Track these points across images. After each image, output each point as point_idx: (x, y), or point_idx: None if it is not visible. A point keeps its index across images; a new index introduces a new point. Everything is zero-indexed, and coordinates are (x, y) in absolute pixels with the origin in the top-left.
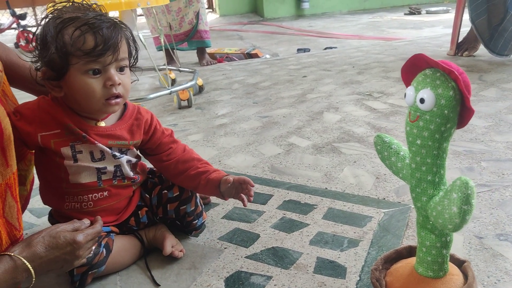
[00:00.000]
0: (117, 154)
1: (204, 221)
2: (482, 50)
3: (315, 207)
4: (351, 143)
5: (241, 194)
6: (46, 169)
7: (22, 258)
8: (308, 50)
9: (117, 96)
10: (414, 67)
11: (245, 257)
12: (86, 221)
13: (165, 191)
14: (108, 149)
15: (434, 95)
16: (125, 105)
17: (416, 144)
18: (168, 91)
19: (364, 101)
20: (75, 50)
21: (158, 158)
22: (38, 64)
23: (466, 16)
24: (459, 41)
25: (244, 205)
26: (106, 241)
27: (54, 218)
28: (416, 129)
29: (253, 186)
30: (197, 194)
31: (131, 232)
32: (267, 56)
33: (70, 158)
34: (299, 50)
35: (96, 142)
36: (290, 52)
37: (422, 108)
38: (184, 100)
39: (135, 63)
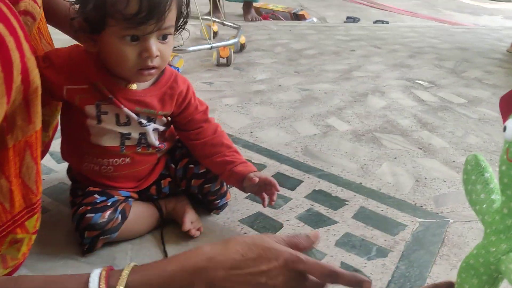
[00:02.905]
0: (144, 121)
1: (227, 202)
2: None
3: (347, 203)
4: (393, 136)
5: (264, 193)
6: (69, 124)
7: None
8: (358, 20)
9: (152, 67)
10: None
11: None
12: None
13: (192, 165)
14: (134, 115)
15: None
16: None
17: None
18: (209, 46)
19: (413, 89)
20: (115, 12)
21: (187, 135)
22: (76, 9)
23: None
24: None
25: (264, 205)
26: (123, 206)
27: (72, 174)
28: None
29: (278, 191)
30: None
31: (151, 200)
32: (314, 19)
33: (93, 118)
34: (348, 18)
35: (122, 106)
36: (338, 18)
37: None
38: (223, 58)
39: (183, 29)
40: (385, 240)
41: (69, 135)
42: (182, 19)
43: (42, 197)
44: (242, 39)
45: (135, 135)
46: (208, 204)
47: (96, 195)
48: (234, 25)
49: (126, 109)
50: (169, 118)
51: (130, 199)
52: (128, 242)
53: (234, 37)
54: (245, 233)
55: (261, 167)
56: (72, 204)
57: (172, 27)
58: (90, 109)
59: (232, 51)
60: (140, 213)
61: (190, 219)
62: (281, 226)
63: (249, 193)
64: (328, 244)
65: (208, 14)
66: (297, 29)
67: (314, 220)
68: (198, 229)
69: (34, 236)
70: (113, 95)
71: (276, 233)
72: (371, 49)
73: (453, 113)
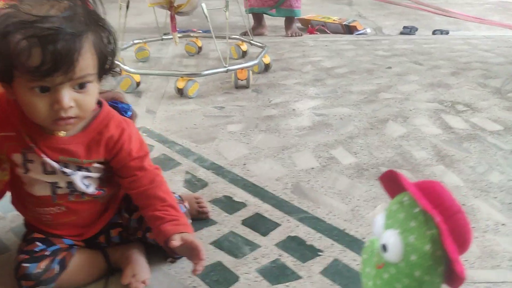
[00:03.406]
0: (68, 171)
1: None
2: None
3: (320, 254)
4: (402, 171)
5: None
6: (11, 171)
7: None
8: (415, 30)
9: (68, 118)
10: (394, 182)
11: None
12: None
13: None
14: (56, 165)
15: (402, 244)
16: (101, 105)
17: None
18: (224, 69)
19: (443, 113)
20: (18, 64)
21: (122, 182)
22: None
23: None
24: None
25: (192, 272)
26: (63, 255)
27: (24, 218)
28: (380, 280)
29: (202, 260)
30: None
31: (99, 248)
32: (368, 30)
33: (21, 167)
34: (405, 28)
35: (43, 155)
36: (395, 28)
37: (386, 257)
38: (242, 80)
39: (110, 72)
40: None
41: (12, 183)
42: (107, 64)
43: (9, 235)
44: (267, 59)
45: (62, 184)
46: (166, 252)
47: (37, 243)
48: (260, 45)
49: (47, 159)
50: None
51: (74, 247)
52: None
53: (256, 58)
54: (194, 287)
55: (240, 206)
56: (18, 249)
57: (89, 75)
58: (17, 158)
59: (250, 73)
60: (83, 262)
61: (133, 271)
62: (236, 279)
63: (215, 239)
64: None
65: (245, 33)
66: (336, 44)
67: (276, 274)
68: (143, 282)
69: None
70: (36, 143)
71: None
72: (410, 66)
73: (481, 144)
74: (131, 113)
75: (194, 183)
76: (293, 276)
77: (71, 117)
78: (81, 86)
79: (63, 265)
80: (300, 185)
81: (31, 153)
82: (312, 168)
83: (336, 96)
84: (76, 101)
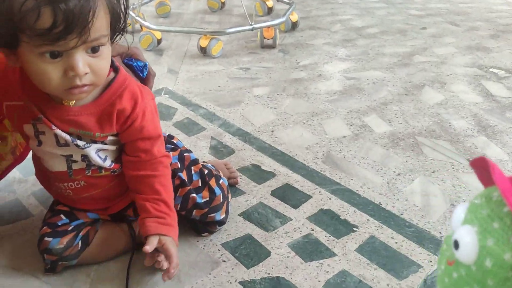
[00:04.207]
0: (81, 143)
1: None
2: None
3: (355, 230)
4: (440, 141)
5: (162, 263)
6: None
7: None
8: None
9: (83, 86)
10: (486, 171)
11: (239, 282)
12: None
13: (194, 194)
14: (68, 138)
15: (478, 245)
16: (116, 71)
17: None
18: (250, 27)
19: (483, 79)
20: (25, 27)
21: (123, 158)
22: None
23: None
24: None
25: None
26: (86, 231)
27: None
28: (448, 278)
29: (171, 271)
30: (229, 199)
31: (126, 221)
32: None
33: (33, 139)
34: None
35: (53, 126)
36: None
37: (457, 255)
38: (268, 39)
39: (122, 33)
40: (388, 285)
41: (33, 158)
42: (120, 24)
43: (31, 199)
44: (294, 17)
45: (77, 157)
46: (203, 231)
47: (62, 215)
48: (287, 1)
49: (58, 131)
50: None
51: (99, 221)
52: (95, 263)
53: (284, 15)
54: (223, 261)
55: (269, 175)
56: (44, 218)
57: (103, 37)
58: (28, 129)
59: (277, 31)
60: (107, 237)
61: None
62: (268, 254)
63: (243, 210)
64: (316, 283)
65: None
66: (366, 3)
67: (309, 250)
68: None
69: None
70: (43, 113)
71: (260, 263)
72: (446, 27)
73: None
74: (147, 72)
75: (220, 150)
76: (327, 253)
77: (86, 85)
78: (94, 49)
79: (85, 241)
80: (331, 155)
81: (41, 124)
82: (344, 137)
83: (368, 58)
84: (90, 66)
